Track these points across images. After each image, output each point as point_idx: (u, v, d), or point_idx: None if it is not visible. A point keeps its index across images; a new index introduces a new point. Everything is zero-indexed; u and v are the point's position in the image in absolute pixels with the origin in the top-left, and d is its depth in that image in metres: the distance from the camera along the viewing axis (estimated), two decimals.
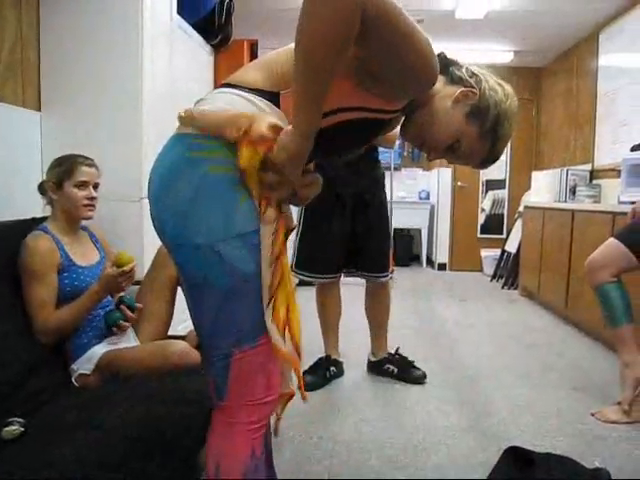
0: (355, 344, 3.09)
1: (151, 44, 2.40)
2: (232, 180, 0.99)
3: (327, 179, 2.50)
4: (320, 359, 2.80)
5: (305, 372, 2.63)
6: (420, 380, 2.74)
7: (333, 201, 2.61)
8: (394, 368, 2.80)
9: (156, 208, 1.05)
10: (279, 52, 1.09)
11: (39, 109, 2.38)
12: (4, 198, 2.08)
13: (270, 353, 1.03)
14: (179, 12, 2.79)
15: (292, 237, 2.67)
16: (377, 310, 2.84)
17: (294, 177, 1.00)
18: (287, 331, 1.05)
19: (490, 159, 1.21)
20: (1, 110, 2.13)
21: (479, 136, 1.15)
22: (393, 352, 2.86)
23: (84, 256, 1.87)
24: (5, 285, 1.71)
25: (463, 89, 1.13)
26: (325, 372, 2.75)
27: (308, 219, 2.70)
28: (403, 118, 1.19)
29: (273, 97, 1.03)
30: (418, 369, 2.79)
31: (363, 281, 2.80)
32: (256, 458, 1.05)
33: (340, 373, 2.84)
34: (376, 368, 2.85)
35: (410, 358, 2.85)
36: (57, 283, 1.75)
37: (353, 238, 2.68)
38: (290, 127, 0.95)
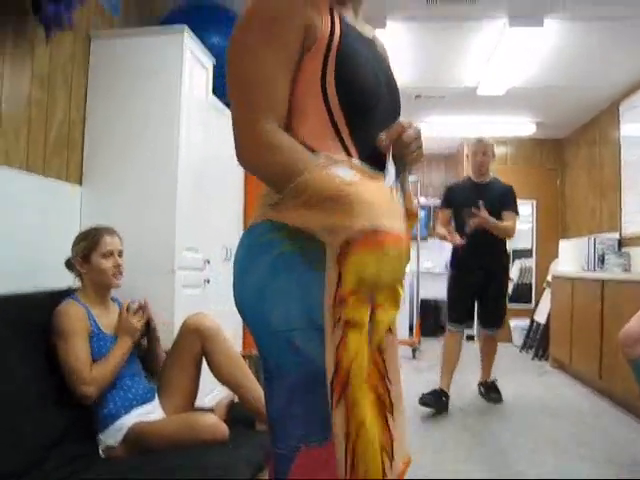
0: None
1: (187, 124, 2.55)
2: (311, 258, 0.94)
3: (462, 258, 3.74)
4: (438, 390, 3.48)
5: (425, 393, 3.42)
6: (496, 401, 3.70)
7: (465, 272, 3.71)
8: (483, 389, 3.86)
9: (236, 292, 1.04)
10: None
11: (80, 183, 2.51)
12: (44, 266, 2.16)
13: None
14: (214, 92, 2.96)
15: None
16: (484, 350, 3.87)
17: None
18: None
19: None
20: (47, 184, 2.28)
21: None
22: (489, 381, 3.84)
23: (113, 326, 1.91)
24: (41, 351, 1.76)
25: None
26: (442, 399, 3.44)
27: (450, 285, 3.80)
28: None
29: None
30: (498, 393, 3.76)
31: None
32: None
33: (447, 405, 3.48)
34: (481, 387, 3.90)
35: (441, 433, 2.86)
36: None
37: (476, 301, 3.77)
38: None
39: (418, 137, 1.07)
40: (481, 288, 3.67)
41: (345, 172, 0.92)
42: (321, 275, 0.92)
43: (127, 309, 1.92)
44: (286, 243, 0.96)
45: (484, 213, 3.40)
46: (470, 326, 4.06)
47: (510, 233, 3.63)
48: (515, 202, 3.71)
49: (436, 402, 3.39)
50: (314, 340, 0.93)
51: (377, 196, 0.90)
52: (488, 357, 3.88)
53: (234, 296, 1.04)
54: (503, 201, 3.65)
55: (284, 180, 0.92)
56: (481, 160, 3.73)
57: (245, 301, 1.01)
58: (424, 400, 3.37)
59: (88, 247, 1.91)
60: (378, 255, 0.86)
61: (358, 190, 0.89)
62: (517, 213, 3.71)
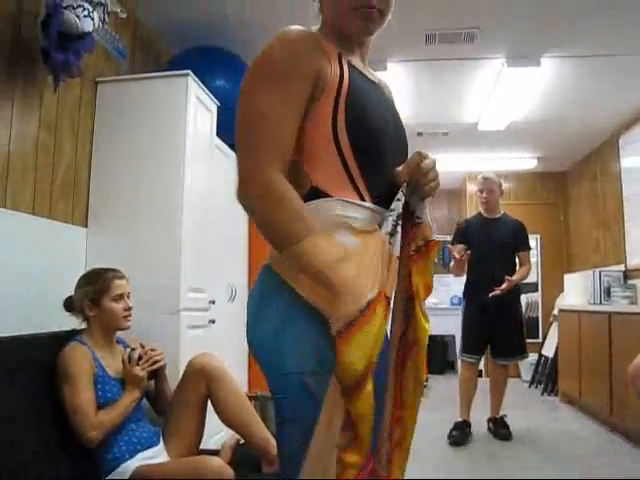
0: None
1: (192, 167, 2.58)
2: None
3: (475, 289, 3.85)
4: (461, 422, 3.63)
5: (452, 431, 3.55)
6: (505, 438, 3.59)
7: (480, 304, 3.74)
8: (492, 425, 3.78)
9: (249, 334, 1.04)
10: None
11: (86, 225, 2.54)
12: (50, 307, 2.16)
13: None
14: (218, 134, 3.01)
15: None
16: (495, 382, 3.85)
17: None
18: None
19: None
20: (53, 227, 2.31)
21: None
22: (498, 417, 3.77)
23: (117, 369, 1.90)
24: (44, 393, 1.74)
25: None
26: (466, 430, 3.58)
27: (465, 316, 3.88)
28: None
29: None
30: (507, 429, 3.67)
31: None
32: None
33: (469, 434, 3.63)
34: (490, 423, 3.82)
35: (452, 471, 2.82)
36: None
37: (490, 333, 3.74)
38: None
39: (434, 166, 1.10)
40: (496, 319, 3.70)
41: (344, 237, 0.97)
42: None
43: (129, 360, 1.88)
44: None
45: (505, 287, 3.60)
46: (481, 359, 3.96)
47: (528, 275, 3.87)
48: (527, 238, 3.91)
49: (462, 437, 3.54)
50: (326, 383, 0.92)
51: (366, 262, 0.96)
52: (498, 390, 3.84)
53: (247, 338, 1.04)
54: (516, 238, 3.85)
55: (283, 239, 0.95)
56: (487, 197, 3.87)
57: (259, 344, 1.02)
58: (455, 439, 3.49)
59: (98, 291, 1.90)
60: (365, 335, 0.91)
61: (345, 270, 0.92)
62: (530, 248, 3.95)
